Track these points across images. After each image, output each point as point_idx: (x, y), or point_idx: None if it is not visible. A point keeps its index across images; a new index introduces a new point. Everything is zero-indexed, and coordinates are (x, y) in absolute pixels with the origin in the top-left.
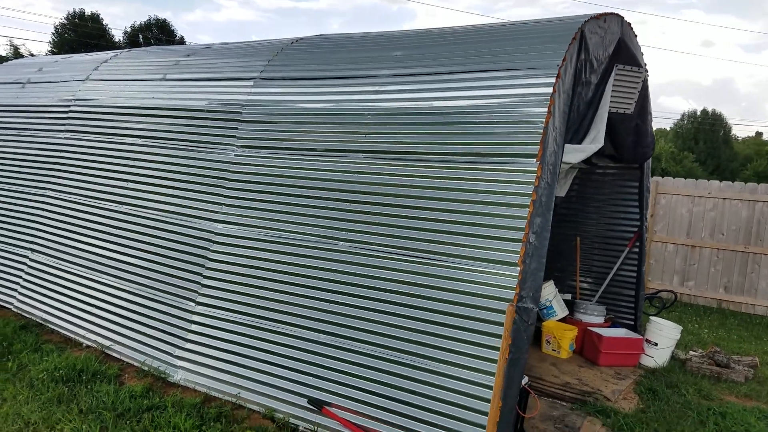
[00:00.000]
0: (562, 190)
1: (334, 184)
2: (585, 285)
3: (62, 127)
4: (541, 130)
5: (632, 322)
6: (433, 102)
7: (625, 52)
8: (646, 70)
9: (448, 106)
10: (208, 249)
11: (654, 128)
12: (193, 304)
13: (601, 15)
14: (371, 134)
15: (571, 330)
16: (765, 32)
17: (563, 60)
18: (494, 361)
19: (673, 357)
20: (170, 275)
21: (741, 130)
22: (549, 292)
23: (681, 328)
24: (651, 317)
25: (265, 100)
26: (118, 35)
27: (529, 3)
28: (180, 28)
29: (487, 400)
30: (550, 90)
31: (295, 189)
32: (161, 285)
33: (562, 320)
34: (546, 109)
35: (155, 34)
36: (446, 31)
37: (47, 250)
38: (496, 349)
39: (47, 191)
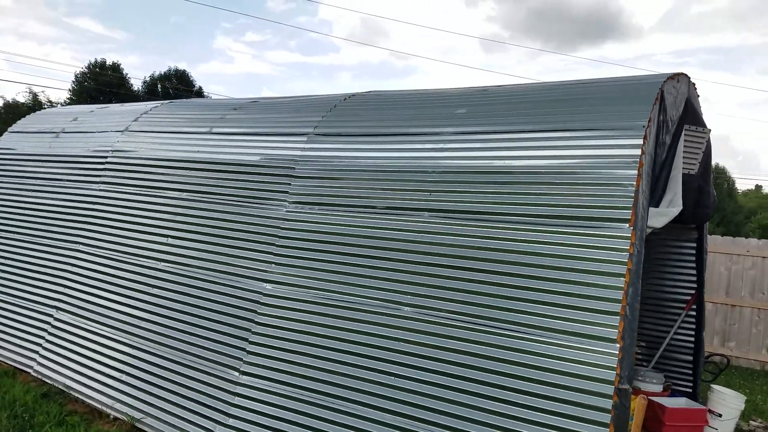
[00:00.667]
0: None
1: (396, 244)
2: (637, 349)
3: (97, 179)
4: (632, 194)
5: (690, 390)
6: (505, 161)
7: (691, 112)
8: (709, 130)
9: (524, 165)
10: (255, 312)
11: None
12: (237, 373)
13: (675, 75)
14: (437, 192)
15: (632, 399)
16: (758, 89)
17: (648, 121)
18: None
19: (736, 428)
20: (212, 340)
21: (741, 183)
22: None
23: (745, 397)
24: (713, 386)
25: (320, 156)
26: (137, 84)
27: (530, 60)
28: (194, 78)
29: None
30: (638, 152)
31: (353, 248)
32: (201, 351)
33: None
34: (636, 172)
35: (174, 84)
36: (508, 89)
37: (74, 308)
38: None
39: (78, 245)
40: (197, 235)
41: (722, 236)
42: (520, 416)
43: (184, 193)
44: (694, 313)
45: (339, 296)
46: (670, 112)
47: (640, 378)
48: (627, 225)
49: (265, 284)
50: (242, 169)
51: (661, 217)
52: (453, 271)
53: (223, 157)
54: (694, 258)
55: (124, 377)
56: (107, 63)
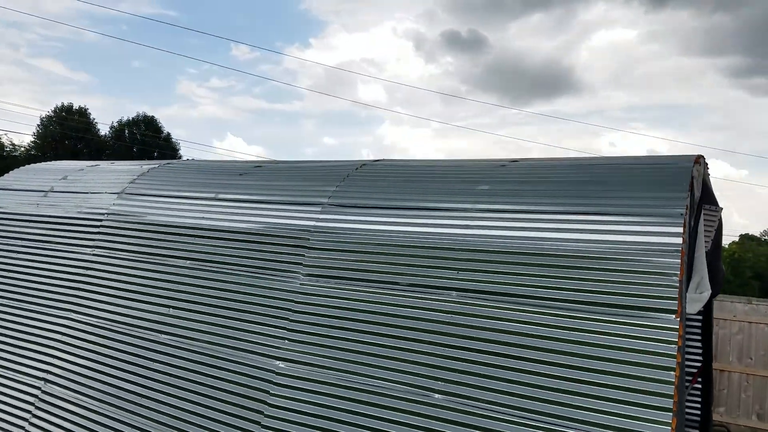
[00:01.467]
0: None
1: (423, 324)
2: None
3: (91, 243)
4: (677, 284)
5: None
6: (539, 242)
7: (706, 192)
8: (721, 208)
9: (559, 247)
10: (267, 392)
11: None
12: None
13: (698, 158)
14: (466, 270)
15: None
16: (703, 146)
17: (686, 208)
18: None
19: None
20: (218, 422)
21: None
22: None
23: None
24: None
25: (336, 227)
26: (104, 129)
27: (485, 114)
28: (162, 123)
29: None
30: (680, 240)
31: (375, 326)
32: None
33: None
34: (679, 261)
35: (142, 130)
36: (525, 165)
37: (64, 381)
38: None
39: (70, 312)
40: (202, 306)
41: None
42: None
43: (189, 261)
44: (700, 386)
45: (360, 378)
46: (695, 194)
47: None
48: (674, 316)
49: (278, 362)
50: (251, 238)
51: (695, 303)
52: (491, 358)
53: (231, 224)
54: (700, 330)
55: None
56: (74, 107)
